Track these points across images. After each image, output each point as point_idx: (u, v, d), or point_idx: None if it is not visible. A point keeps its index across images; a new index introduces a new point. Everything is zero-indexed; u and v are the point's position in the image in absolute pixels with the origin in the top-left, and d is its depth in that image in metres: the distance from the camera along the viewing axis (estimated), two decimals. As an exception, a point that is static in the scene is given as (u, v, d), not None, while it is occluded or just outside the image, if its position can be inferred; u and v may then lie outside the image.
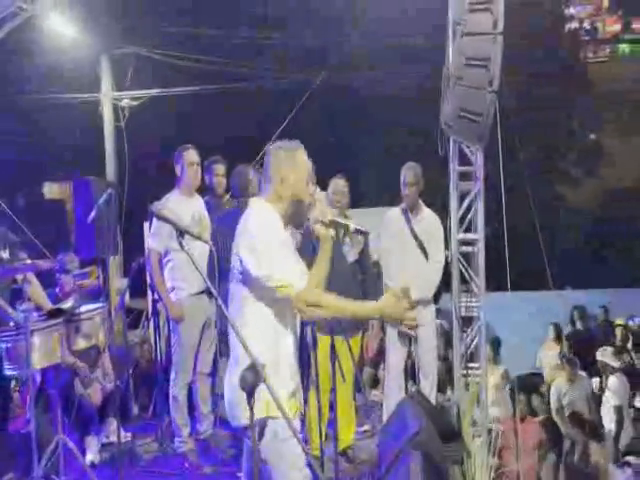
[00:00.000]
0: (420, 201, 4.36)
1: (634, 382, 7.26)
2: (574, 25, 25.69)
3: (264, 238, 2.28)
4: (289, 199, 2.38)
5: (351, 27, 9.46)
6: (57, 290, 4.62)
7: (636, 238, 17.39)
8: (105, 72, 10.17)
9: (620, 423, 6.56)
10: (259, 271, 2.26)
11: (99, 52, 9.98)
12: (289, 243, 2.44)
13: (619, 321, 7.94)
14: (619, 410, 6.58)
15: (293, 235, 2.57)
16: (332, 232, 2.47)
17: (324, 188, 4.57)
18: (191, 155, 4.12)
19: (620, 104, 18.26)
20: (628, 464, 5.88)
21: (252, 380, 2.13)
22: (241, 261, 2.30)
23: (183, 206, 3.98)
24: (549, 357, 7.74)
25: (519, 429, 5.87)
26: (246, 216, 2.39)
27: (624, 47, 24.39)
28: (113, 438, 4.35)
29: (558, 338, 7.90)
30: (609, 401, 6.61)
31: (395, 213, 4.37)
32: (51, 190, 8.67)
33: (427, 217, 4.35)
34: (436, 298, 4.54)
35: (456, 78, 4.44)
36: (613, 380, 6.66)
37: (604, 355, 6.79)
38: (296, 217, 2.43)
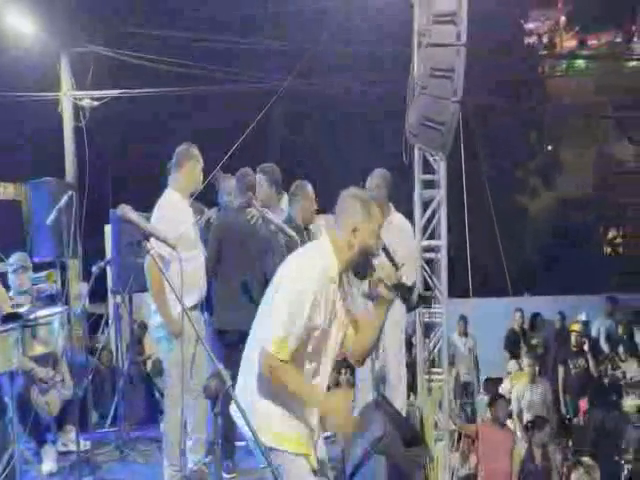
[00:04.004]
0: (391, 207, 4.34)
1: (585, 385, 7.53)
2: (533, 40, 26.49)
3: (301, 288, 2.28)
4: (358, 250, 2.37)
5: (320, 33, 9.51)
6: (11, 293, 4.46)
7: (592, 246, 18.01)
8: (65, 71, 9.91)
9: None
10: (278, 319, 2.28)
11: (59, 50, 9.73)
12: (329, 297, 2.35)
13: (574, 327, 8.15)
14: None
15: (348, 291, 2.48)
16: (392, 296, 2.43)
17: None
18: (200, 159, 3.72)
19: (575, 117, 18.91)
20: (580, 462, 6.04)
21: (216, 388, 2.12)
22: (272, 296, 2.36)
23: (188, 212, 3.68)
24: None
25: (495, 432, 6.02)
26: (303, 255, 2.45)
27: (580, 62, 25.23)
28: (72, 447, 4.22)
29: None
30: None
31: None
32: (6, 191, 8.40)
33: (394, 222, 4.35)
34: (410, 308, 4.48)
35: (420, 87, 4.54)
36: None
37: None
38: (361, 268, 2.42)
